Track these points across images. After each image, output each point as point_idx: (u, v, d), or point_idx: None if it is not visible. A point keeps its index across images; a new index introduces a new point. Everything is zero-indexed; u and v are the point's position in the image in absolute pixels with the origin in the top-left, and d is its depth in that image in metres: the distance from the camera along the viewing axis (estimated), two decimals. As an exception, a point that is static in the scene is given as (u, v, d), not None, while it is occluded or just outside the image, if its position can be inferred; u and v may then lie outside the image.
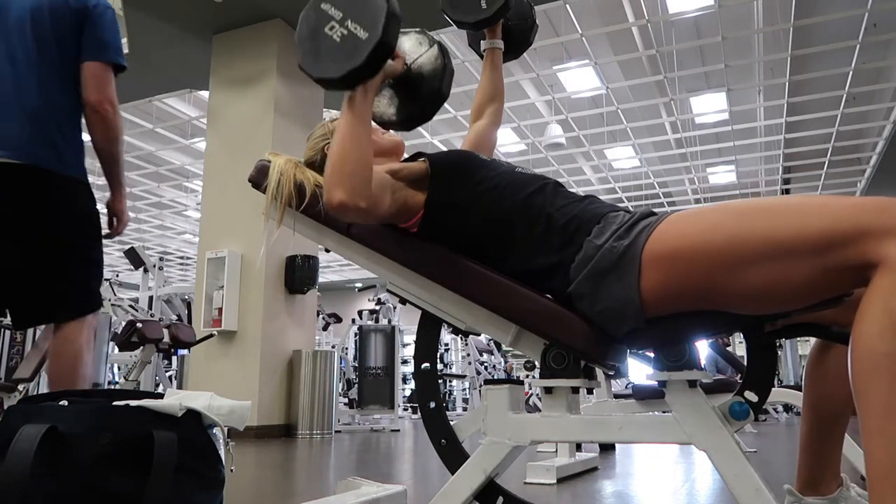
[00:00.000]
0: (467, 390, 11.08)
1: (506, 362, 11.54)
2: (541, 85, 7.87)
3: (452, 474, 1.19)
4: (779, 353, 10.85)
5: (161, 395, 1.13)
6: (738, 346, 9.03)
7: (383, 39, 1.05)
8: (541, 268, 1.17)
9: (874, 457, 0.82)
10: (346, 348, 8.96)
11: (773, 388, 1.17)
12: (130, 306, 6.17)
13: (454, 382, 11.43)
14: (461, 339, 9.58)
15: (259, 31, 5.89)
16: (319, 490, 2.48)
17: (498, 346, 10.38)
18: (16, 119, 1.73)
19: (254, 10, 5.71)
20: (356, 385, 7.32)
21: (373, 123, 1.26)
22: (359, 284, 15.54)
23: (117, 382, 7.57)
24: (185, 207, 11.90)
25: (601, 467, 3.14)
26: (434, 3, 1.61)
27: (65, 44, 1.79)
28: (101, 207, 1.87)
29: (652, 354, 1.11)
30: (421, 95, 1.30)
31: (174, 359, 7.72)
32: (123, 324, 4.61)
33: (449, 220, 1.24)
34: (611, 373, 1.31)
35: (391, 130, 1.46)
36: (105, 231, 1.94)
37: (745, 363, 1.14)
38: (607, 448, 3.96)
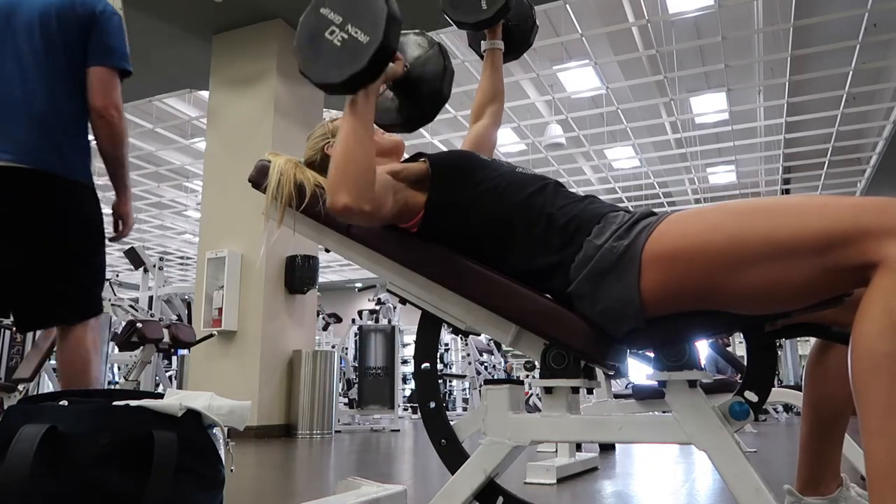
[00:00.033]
0: (467, 390, 11.08)
1: (506, 362, 11.54)
2: (541, 85, 7.87)
3: (452, 474, 1.19)
4: (779, 353, 10.85)
5: (161, 395, 1.13)
6: (738, 346, 9.03)
7: (385, 43, 1.05)
8: (541, 268, 1.17)
9: (874, 457, 0.82)
10: (346, 348, 8.96)
11: (773, 388, 1.17)
12: (130, 306, 6.16)
13: (454, 382, 11.43)
14: (461, 339, 9.58)
15: (259, 31, 5.89)
16: (319, 490, 2.48)
17: (498, 346, 10.38)
18: (23, 123, 1.74)
19: (254, 10, 5.71)
20: (356, 385, 7.32)
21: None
22: (359, 284, 15.54)
23: (117, 382, 7.57)
24: (185, 207, 11.90)
25: (601, 467, 3.14)
26: (434, 3, 1.61)
27: (72, 49, 1.80)
28: (106, 209, 1.88)
29: (652, 354, 1.11)
30: (422, 97, 1.30)
31: (174, 359, 7.72)
32: (123, 324, 4.61)
33: (449, 220, 1.24)
34: (611, 373, 1.31)
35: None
36: (110, 234, 1.95)
37: (745, 363, 1.15)
38: (607, 448, 3.96)
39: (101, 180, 1.91)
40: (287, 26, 5.88)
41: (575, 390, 1.17)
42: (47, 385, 6.78)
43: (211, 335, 5.04)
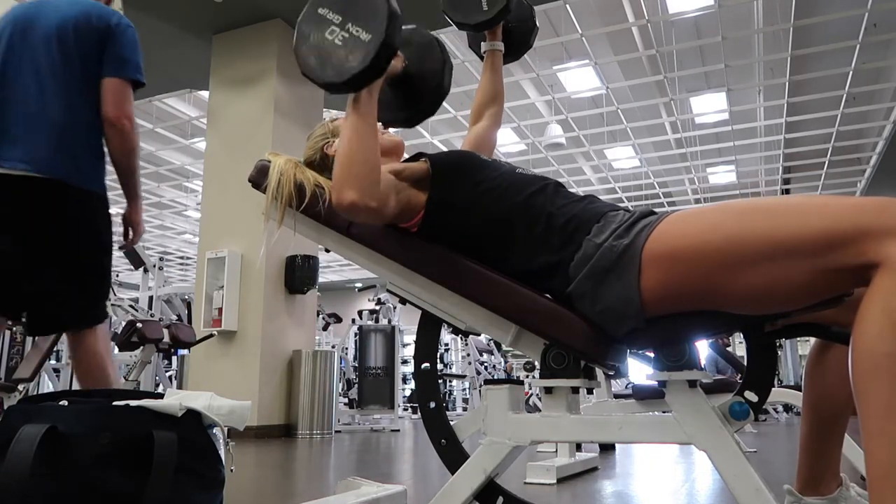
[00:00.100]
0: (467, 390, 11.08)
1: (506, 362, 11.54)
2: (541, 85, 7.87)
3: (452, 474, 1.19)
4: (779, 353, 10.85)
5: (161, 395, 1.13)
6: (738, 346, 9.03)
7: (387, 40, 1.05)
8: (541, 267, 1.17)
9: (874, 457, 0.82)
10: (346, 348, 8.96)
11: (773, 388, 1.17)
12: (130, 306, 6.17)
13: (454, 382, 11.43)
14: (461, 339, 9.58)
15: (259, 31, 5.90)
16: (319, 490, 2.48)
17: (498, 346, 10.38)
18: (40, 134, 1.78)
19: (254, 10, 5.71)
20: (356, 385, 7.32)
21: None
22: (359, 284, 15.54)
23: (117, 382, 7.56)
24: (185, 207, 11.91)
25: (601, 467, 3.14)
26: (434, 3, 1.61)
27: (88, 60, 1.84)
28: (115, 215, 1.92)
29: (652, 354, 1.11)
30: (422, 92, 1.30)
31: (174, 359, 7.72)
32: (123, 324, 4.61)
33: (449, 220, 1.24)
34: (611, 373, 1.31)
35: (391, 130, 1.47)
36: (119, 241, 1.99)
37: (745, 363, 1.14)
38: (607, 448, 3.96)
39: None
40: (287, 26, 5.88)
41: (575, 390, 1.17)
42: (47, 385, 6.78)
43: (211, 335, 5.04)
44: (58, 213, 1.78)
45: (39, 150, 1.77)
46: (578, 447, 3.30)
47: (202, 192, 6.15)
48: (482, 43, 1.67)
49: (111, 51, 1.85)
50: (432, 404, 1.29)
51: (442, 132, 9.09)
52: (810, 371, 1.37)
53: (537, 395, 7.86)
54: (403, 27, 1.19)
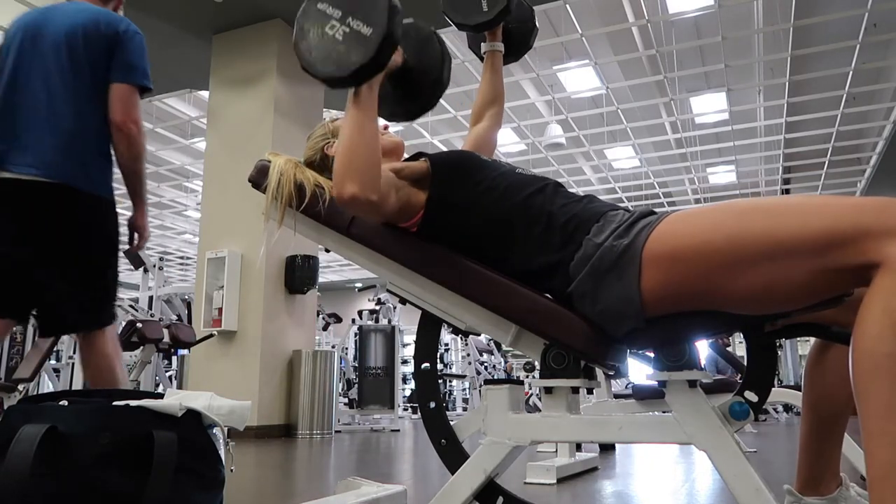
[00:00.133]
0: (467, 390, 11.08)
1: (506, 362, 11.54)
2: (541, 85, 7.87)
3: (452, 474, 1.19)
4: (779, 353, 10.85)
5: (161, 395, 1.13)
6: (738, 346, 9.03)
7: (389, 33, 1.06)
8: (541, 267, 1.17)
9: (875, 457, 0.82)
10: (346, 348, 8.95)
11: (773, 388, 1.17)
12: (130, 306, 6.17)
13: (454, 382, 11.42)
14: (461, 339, 9.58)
15: (259, 31, 5.90)
16: (319, 490, 2.48)
17: (498, 346, 10.38)
18: (49, 140, 1.80)
19: (254, 10, 5.71)
20: (356, 385, 7.32)
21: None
22: (359, 284, 15.54)
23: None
24: (185, 207, 11.91)
25: (601, 467, 3.14)
26: (435, 3, 1.61)
27: (96, 67, 1.87)
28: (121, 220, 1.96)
29: (652, 354, 1.11)
30: (422, 86, 1.30)
31: (174, 359, 7.72)
32: (123, 324, 4.61)
33: (449, 219, 1.24)
34: (611, 373, 1.31)
35: (390, 130, 1.47)
36: (125, 246, 2.02)
37: (745, 363, 1.14)
38: (607, 448, 3.96)
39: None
40: (287, 26, 5.88)
41: (575, 390, 1.17)
42: (47, 385, 6.78)
43: (211, 335, 5.05)
44: (67, 218, 1.81)
45: (49, 155, 1.79)
46: (578, 447, 3.30)
47: (202, 192, 6.15)
48: (482, 44, 1.67)
49: (119, 57, 1.88)
50: (432, 404, 1.29)
51: (442, 132, 9.09)
52: (810, 371, 1.37)
53: (537, 395, 7.86)
54: (407, 21, 1.20)
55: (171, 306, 7.21)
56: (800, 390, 1.46)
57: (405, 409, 9.86)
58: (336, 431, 6.00)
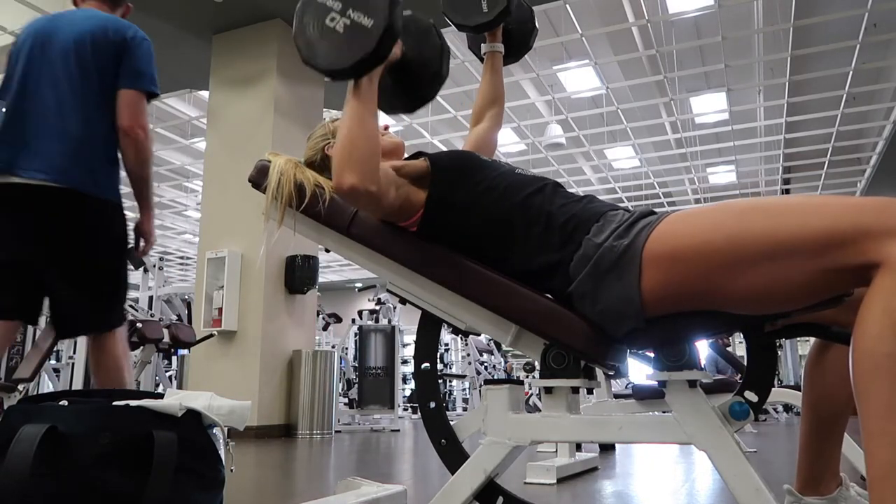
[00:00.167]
0: (467, 390, 11.08)
1: (506, 362, 11.54)
2: (541, 85, 7.87)
3: (452, 474, 1.19)
4: (779, 353, 10.85)
5: (161, 395, 1.13)
6: (738, 346, 9.03)
7: (389, 25, 1.06)
8: (541, 267, 1.17)
9: (875, 457, 0.82)
10: (346, 348, 8.95)
11: (773, 388, 1.17)
12: (130, 306, 6.16)
13: (454, 382, 11.42)
14: (461, 339, 9.58)
15: (259, 31, 5.89)
16: (319, 490, 2.48)
17: (498, 346, 10.38)
18: (58, 146, 1.83)
19: (254, 10, 5.71)
20: (356, 385, 7.32)
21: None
22: (359, 284, 15.54)
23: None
24: (185, 207, 11.91)
25: (601, 467, 3.14)
26: (435, 4, 1.61)
27: (104, 73, 1.90)
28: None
29: (652, 354, 1.11)
30: (421, 79, 1.30)
31: (174, 359, 7.72)
32: (123, 324, 4.60)
33: (449, 219, 1.24)
34: (611, 373, 1.31)
35: (390, 130, 1.46)
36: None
37: (745, 363, 1.14)
38: (607, 448, 3.96)
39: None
40: (287, 26, 5.87)
41: (575, 390, 1.17)
42: (47, 385, 6.78)
43: (211, 335, 5.05)
44: (75, 222, 1.84)
45: (57, 160, 1.82)
46: (578, 447, 3.30)
47: (202, 192, 6.15)
48: (482, 45, 1.67)
49: (127, 64, 1.91)
50: (432, 404, 1.29)
51: (442, 132, 9.09)
52: (810, 371, 1.37)
53: (537, 394, 7.85)
54: (405, 13, 1.20)
55: (171, 306, 7.21)
56: (800, 390, 1.46)
57: (405, 409, 9.86)
58: (336, 431, 6.00)
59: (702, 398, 1.06)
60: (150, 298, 6.79)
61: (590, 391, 1.43)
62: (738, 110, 8.40)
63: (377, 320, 7.88)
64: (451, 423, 1.29)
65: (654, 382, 1.11)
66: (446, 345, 10.93)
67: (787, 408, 8.80)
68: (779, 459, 3.56)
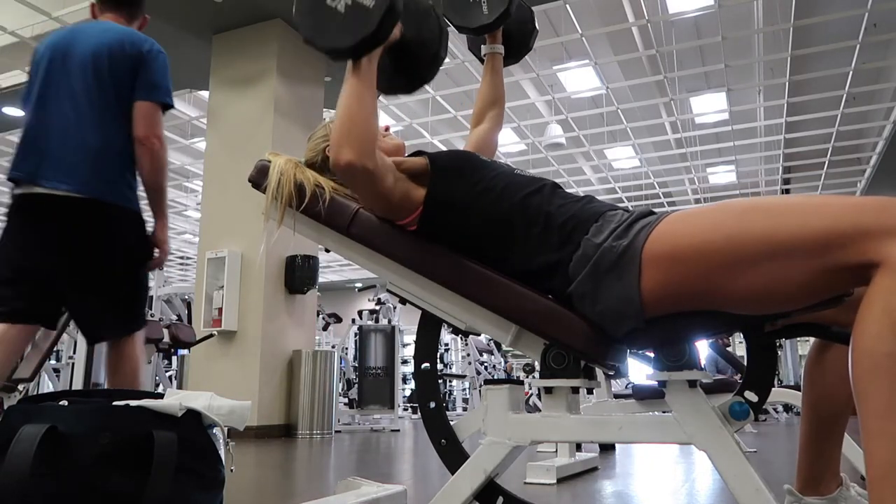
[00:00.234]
0: (467, 390, 11.08)
1: (506, 362, 11.54)
2: (541, 85, 7.87)
3: (452, 474, 1.19)
4: (779, 353, 10.85)
5: (161, 395, 1.13)
6: (738, 346, 9.03)
7: (391, 6, 1.07)
8: (540, 267, 1.17)
9: (874, 457, 0.82)
10: (346, 348, 8.95)
11: (773, 388, 1.17)
12: (130, 306, 6.15)
13: (454, 382, 11.42)
14: (461, 339, 9.58)
15: (259, 31, 5.90)
16: (319, 490, 2.48)
17: (498, 346, 10.38)
18: (78, 155, 1.89)
19: (254, 10, 5.71)
20: (356, 385, 7.32)
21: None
22: (359, 284, 15.54)
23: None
24: (185, 207, 11.90)
25: (601, 467, 3.14)
26: (435, 5, 1.61)
27: (121, 85, 1.95)
28: None
29: (652, 354, 1.11)
30: (420, 60, 1.30)
31: (174, 359, 7.72)
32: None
33: (448, 219, 1.24)
34: (611, 373, 1.31)
35: (391, 132, 1.46)
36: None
37: (745, 363, 1.14)
38: (607, 448, 3.96)
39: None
40: (287, 26, 5.88)
41: (575, 390, 1.17)
42: (47, 385, 6.78)
43: (211, 335, 5.05)
44: (98, 231, 1.89)
45: (77, 171, 1.87)
46: (578, 447, 3.30)
47: (202, 192, 6.15)
48: (482, 46, 1.67)
49: (143, 77, 1.96)
50: (432, 404, 1.29)
51: (442, 132, 9.09)
52: (810, 371, 1.37)
53: (537, 395, 7.85)
54: None
55: (171, 306, 7.21)
56: (800, 390, 1.46)
57: (405, 409, 9.86)
58: (336, 431, 6.00)
59: (702, 398, 1.06)
60: (151, 298, 6.78)
61: (590, 391, 1.43)
62: (738, 110, 8.40)
63: (377, 320, 7.88)
64: (451, 423, 1.29)
65: (654, 382, 1.11)
66: (446, 345, 10.93)
67: (787, 408, 8.80)
68: (779, 459, 3.56)
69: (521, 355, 10.03)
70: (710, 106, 8.40)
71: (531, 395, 8.67)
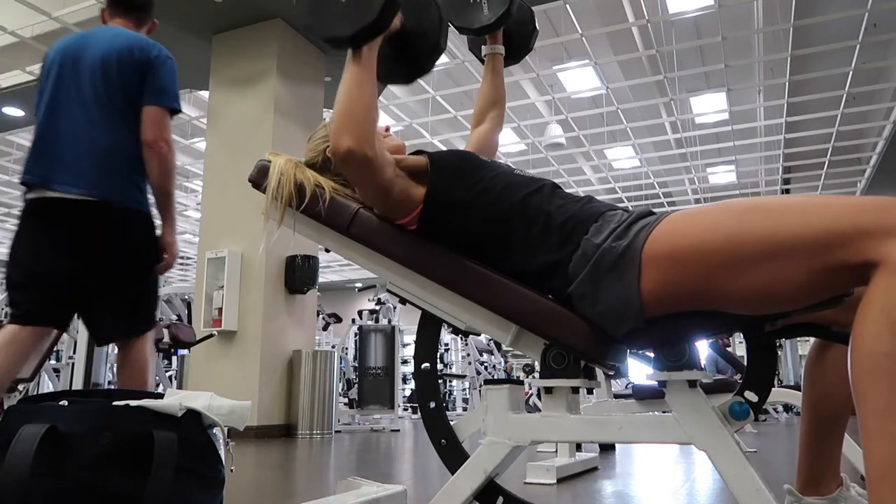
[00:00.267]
0: (467, 390, 11.07)
1: (506, 362, 11.54)
2: (541, 85, 7.87)
3: (452, 474, 1.19)
4: (779, 353, 10.85)
5: (161, 395, 1.13)
6: (738, 346, 9.03)
7: None
8: (540, 267, 1.17)
9: (874, 457, 0.82)
10: (346, 348, 8.95)
11: (773, 388, 1.17)
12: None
13: (454, 382, 11.42)
14: (461, 339, 9.58)
15: (259, 31, 5.89)
16: (319, 490, 2.48)
17: (498, 346, 10.38)
18: (89, 159, 1.92)
19: (254, 10, 5.71)
20: (356, 385, 7.32)
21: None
22: (359, 284, 15.54)
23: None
24: (185, 207, 11.90)
25: (601, 467, 3.14)
26: None
27: (130, 90, 1.98)
28: None
29: (652, 354, 1.11)
30: (419, 50, 1.30)
31: (174, 359, 7.72)
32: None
33: (448, 219, 1.24)
34: (611, 373, 1.31)
35: (391, 131, 1.46)
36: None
37: (745, 363, 1.14)
38: (607, 448, 3.96)
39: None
40: (287, 26, 5.88)
41: (575, 390, 1.17)
42: (47, 385, 6.78)
43: (211, 335, 5.05)
44: (110, 234, 1.92)
45: (88, 174, 1.90)
46: (578, 447, 3.30)
47: (202, 192, 6.15)
48: (483, 46, 1.67)
49: (151, 82, 1.99)
50: (432, 404, 1.29)
51: (442, 132, 9.10)
52: (810, 371, 1.37)
53: (537, 395, 7.85)
54: None
55: (171, 306, 7.20)
56: (800, 390, 1.46)
57: (405, 409, 9.86)
58: (336, 431, 6.00)
59: (702, 398, 1.06)
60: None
61: (590, 391, 1.43)
62: (738, 110, 8.40)
63: (377, 320, 7.88)
64: (451, 423, 1.29)
65: (654, 382, 1.11)
66: (446, 345, 10.93)
67: (787, 408, 8.80)
68: (779, 459, 3.56)
69: (521, 355, 10.03)
70: (710, 106, 8.40)
71: (531, 395, 8.67)
